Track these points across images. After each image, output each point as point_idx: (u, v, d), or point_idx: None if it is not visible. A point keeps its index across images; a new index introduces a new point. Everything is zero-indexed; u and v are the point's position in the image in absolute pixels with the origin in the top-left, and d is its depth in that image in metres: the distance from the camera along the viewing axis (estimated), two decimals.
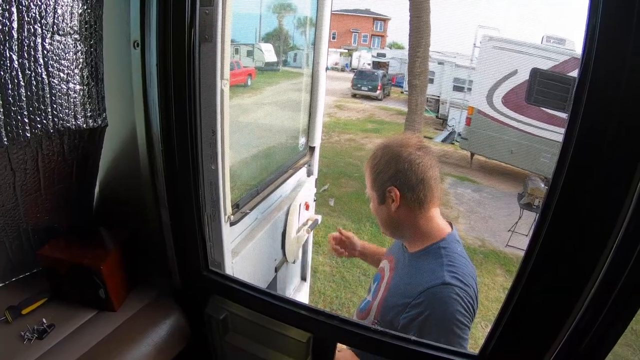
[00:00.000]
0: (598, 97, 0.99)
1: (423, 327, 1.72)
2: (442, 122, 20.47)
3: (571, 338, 1.19)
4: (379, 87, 27.76)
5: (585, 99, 1.00)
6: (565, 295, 1.18)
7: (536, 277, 1.20)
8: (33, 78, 1.37)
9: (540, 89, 12.06)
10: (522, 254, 1.25)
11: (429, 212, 1.92)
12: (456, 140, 16.90)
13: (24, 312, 1.70)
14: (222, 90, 1.73)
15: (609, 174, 1.03)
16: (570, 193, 1.08)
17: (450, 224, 2.00)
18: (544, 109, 12.26)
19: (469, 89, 16.16)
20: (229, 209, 1.98)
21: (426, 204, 1.90)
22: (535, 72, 12.12)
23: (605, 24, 0.95)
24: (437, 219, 1.96)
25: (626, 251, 1.03)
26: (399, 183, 1.87)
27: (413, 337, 1.52)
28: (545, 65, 12.17)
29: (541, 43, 13.42)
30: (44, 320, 1.66)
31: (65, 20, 1.42)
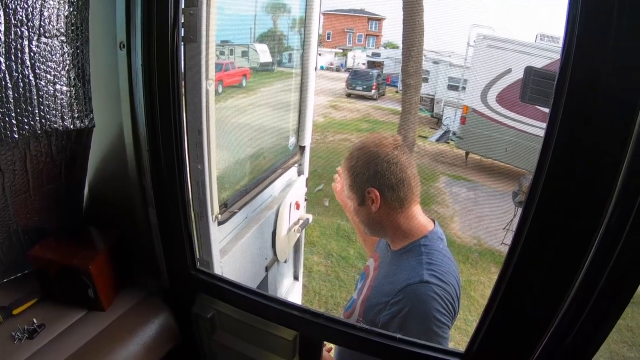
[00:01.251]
0: (578, 92, 1.00)
1: (402, 325, 1.71)
2: (437, 121, 20.44)
3: (556, 334, 1.20)
4: (373, 87, 27.68)
5: (566, 94, 1.01)
6: (550, 292, 1.19)
7: (520, 273, 1.21)
8: (20, 80, 1.37)
9: (535, 87, 12.06)
10: None
11: (409, 210, 1.92)
12: (451, 139, 16.90)
13: (15, 312, 1.71)
14: (207, 90, 1.74)
15: (590, 169, 1.04)
16: (552, 189, 1.09)
17: (433, 221, 2.00)
18: (538, 107, 12.27)
19: (464, 88, 16.15)
20: (217, 208, 1.99)
21: (406, 203, 1.90)
22: (529, 71, 12.12)
23: (585, 17, 0.96)
24: (419, 216, 1.95)
25: (608, 247, 1.04)
26: (378, 184, 1.86)
27: (398, 335, 1.52)
28: (539, 63, 12.17)
29: (535, 41, 13.45)
30: (35, 320, 1.68)
31: (52, 23, 1.43)
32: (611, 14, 0.93)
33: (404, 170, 1.86)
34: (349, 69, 39.55)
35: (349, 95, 28.06)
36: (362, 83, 27.79)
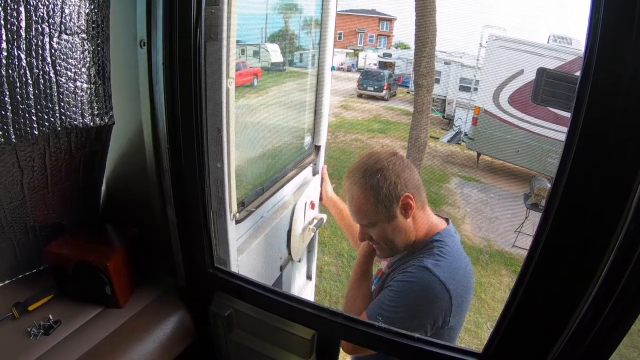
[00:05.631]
0: (600, 97, 0.99)
1: (384, 293, 1.78)
2: (449, 122, 20.40)
3: (574, 337, 1.19)
4: (385, 87, 27.56)
5: (587, 99, 1.00)
6: (568, 295, 1.18)
7: (539, 276, 1.20)
8: (41, 76, 1.38)
9: (547, 88, 12.03)
10: None
11: (427, 210, 1.93)
12: (462, 141, 16.83)
13: (31, 308, 1.72)
14: (227, 89, 1.74)
15: (611, 174, 1.03)
16: (572, 193, 1.08)
17: (447, 220, 2.00)
18: (550, 108, 12.23)
19: (475, 89, 16.10)
20: (235, 207, 1.99)
21: (425, 203, 1.92)
22: (541, 72, 12.09)
23: (607, 23, 0.95)
24: (432, 216, 1.96)
25: (628, 252, 1.03)
26: (410, 188, 1.83)
27: (417, 335, 1.51)
28: (551, 64, 12.13)
29: (547, 42, 13.39)
30: (50, 316, 1.69)
31: (73, 20, 1.43)
32: (632, 17, 0.92)
33: (416, 171, 1.88)
34: (360, 69, 39.50)
35: (360, 96, 27.99)
36: (374, 83, 27.69)
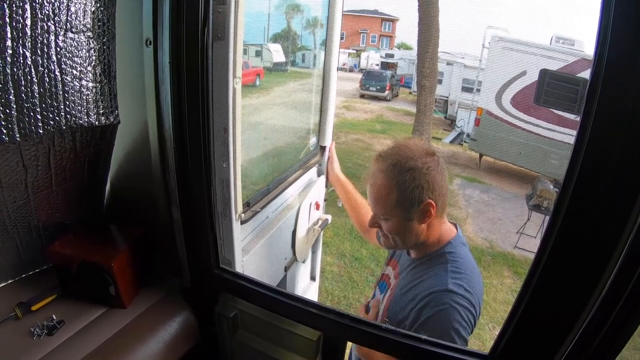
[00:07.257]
0: (610, 99, 0.99)
1: (420, 330, 1.67)
2: (451, 122, 20.37)
3: (580, 340, 1.19)
4: (387, 88, 27.49)
5: (597, 101, 1.00)
6: (575, 298, 1.18)
7: (547, 278, 1.20)
8: (46, 75, 1.37)
9: (550, 90, 12.00)
10: (530, 255, 1.24)
11: (443, 217, 1.88)
12: (465, 141, 16.80)
13: (34, 308, 1.71)
14: (234, 89, 1.73)
15: (620, 177, 1.03)
16: (581, 196, 1.08)
17: (455, 225, 1.96)
18: (553, 110, 12.21)
19: (478, 90, 16.06)
20: (240, 207, 1.98)
21: (445, 210, 1.86)
22: (544, 73, 12.06)
23: (617, 25, 0.95)
24: (445, 222, 1.91)
25: (636, 255, 1.02)
26: (435, 195, 1.78)
27: (424, 337, 1.50)
28: (554, 66, 12.11)
29: (550, 44, 13.37)
30: (54, 316, 1.68)
31: (79, 18, 1.42)
32: None
33: (446, 177, 1.83)
34: (362, 69, 39.45)
35: (362, 96, 27.95)
36: (376, 84, 27.61)
